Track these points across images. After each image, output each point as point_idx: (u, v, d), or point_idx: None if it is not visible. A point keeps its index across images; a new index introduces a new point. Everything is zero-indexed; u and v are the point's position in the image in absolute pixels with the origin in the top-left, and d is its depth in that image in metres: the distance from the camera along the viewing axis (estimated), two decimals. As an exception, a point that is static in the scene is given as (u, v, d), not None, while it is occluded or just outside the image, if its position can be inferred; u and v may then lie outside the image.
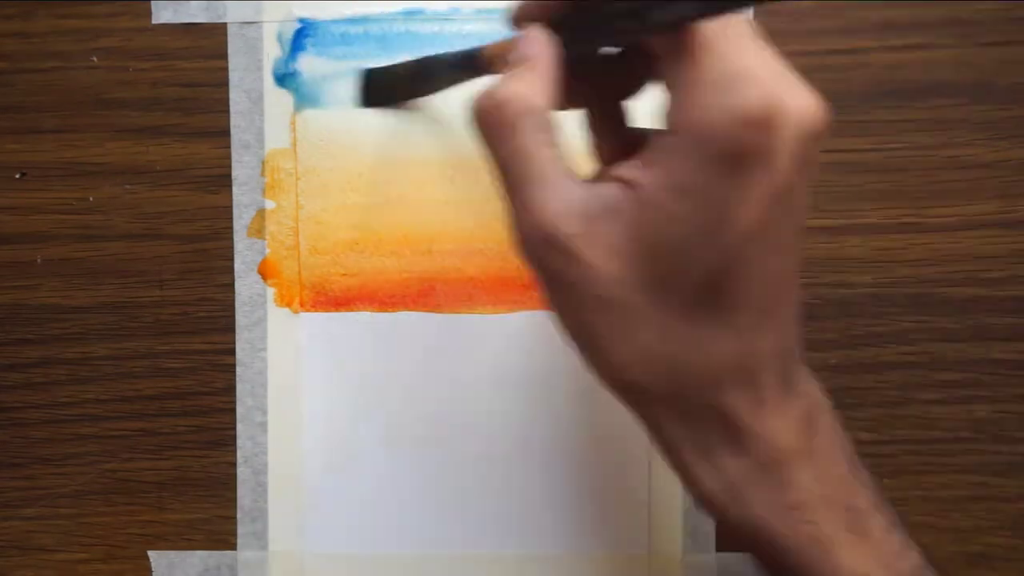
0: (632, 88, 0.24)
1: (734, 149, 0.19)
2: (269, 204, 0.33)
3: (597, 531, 0.33)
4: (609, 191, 0.21)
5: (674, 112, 0.20)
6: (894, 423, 0.33)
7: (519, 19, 0.23)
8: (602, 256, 0.20)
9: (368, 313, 0.33)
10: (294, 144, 0.33)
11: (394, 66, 0.32)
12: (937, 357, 0.33)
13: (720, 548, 0.33)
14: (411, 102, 0.32)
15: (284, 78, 0.33)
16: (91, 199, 0.33)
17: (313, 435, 0.33)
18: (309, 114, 0.33)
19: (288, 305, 0.33)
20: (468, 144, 0.33)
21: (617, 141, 0.24)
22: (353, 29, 0.33)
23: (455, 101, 0.33)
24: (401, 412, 0.33)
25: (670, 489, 0.33)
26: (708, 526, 0.33)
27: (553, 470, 0.33)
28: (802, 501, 0.21)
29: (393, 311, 0.33)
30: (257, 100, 0.33)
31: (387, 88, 0.32)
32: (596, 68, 0.24)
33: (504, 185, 0.21)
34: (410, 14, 0.33)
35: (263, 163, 0.33)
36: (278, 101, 0.33)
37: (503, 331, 0.33)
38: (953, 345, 0.32)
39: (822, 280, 0.33)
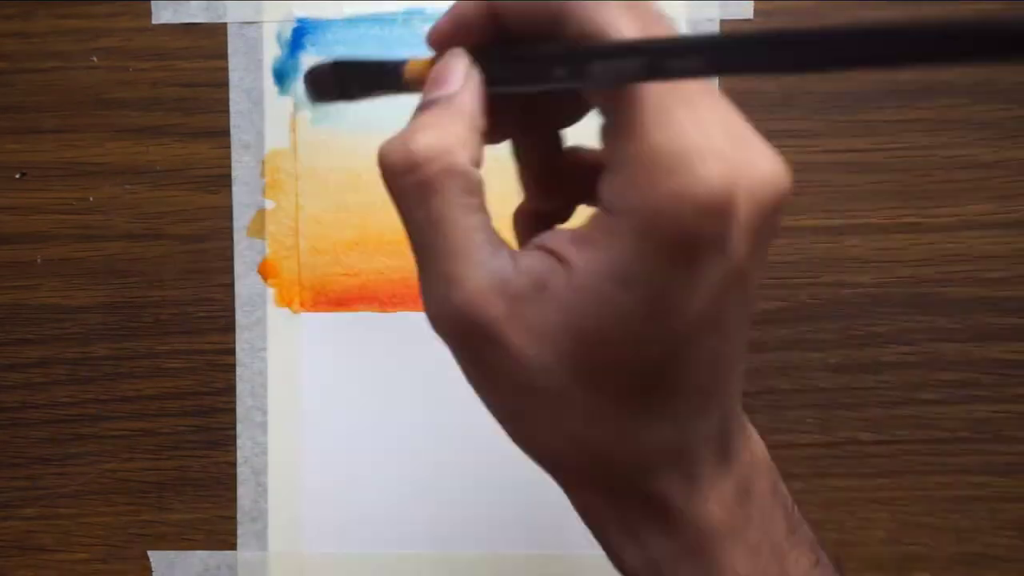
0: (568, 117, 0.21)
1: (687, 239, 0.16)
2: (269, 204, 0.33)
3: (597, 531, 0.33)
4: (539, 266, 0.18)
5: (616, 189, 0.17)
6: (894, 423, 0.33)
7: (436, 43, 0.20)
8: (527, 340, 0.18)
9: (368, 313, 0.33)
10: (294, 144, 0.33)
11: (324, 64, 0.27)
12: (937, 357, 0.33)
13: None
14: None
15: (284, 78, 0.33)
16: (91, 199, 0.33)
17: (313, 435, 0.33)
18: (309, 114, 0.33)
19: (288, 305, 0.33)
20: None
21: (550, 173, 0.22)
22: (353, 29, 0.33)
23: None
24: (401, 412, 0.33)
25: (670, 489, 0.33)
26: None
27: (553, 470, 0.33)
28: None
29: (393, 311, 0.33)
30: (257, 100, 0.33)
31: (320, 87, 0.27)
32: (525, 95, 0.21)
33: (418, 253, 0.19)
34: (410, 14, 0.33)
35: (263, 163, 0.33)
36: (278, 101, 0.33)
37: (503, 331, 0.33)
38: (953, 345, 0.32)
39: (822, 280, 0.33)
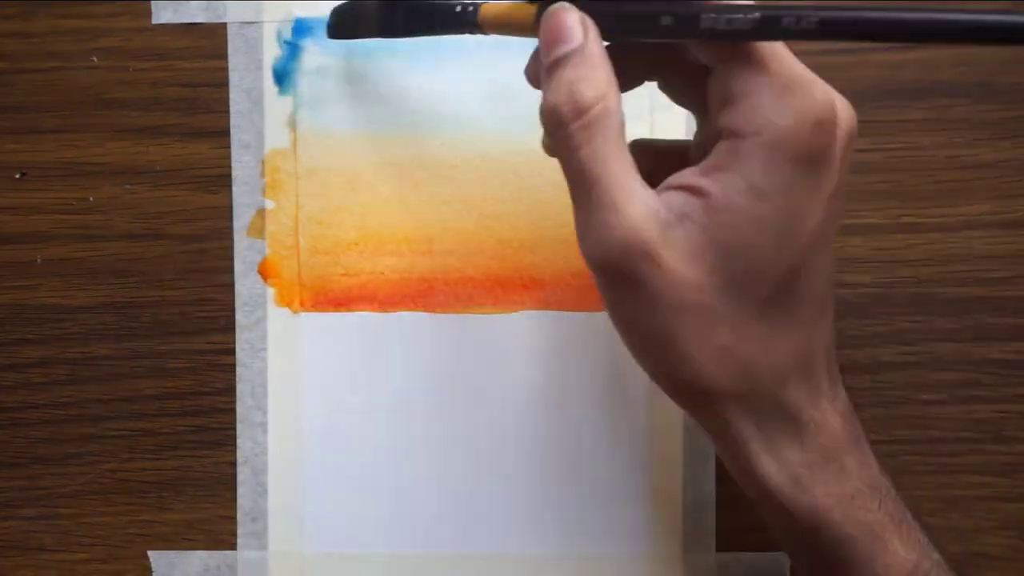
0: (631, 82, 0.24)
1: (808, 150, 0.20)
2: (269, 204, 0.33)
3: (597, 531, 0.33)
4: (678, 199, 0.21)
5: (742, 117, 0.20)
6: (894, 423, 0.33)
7: None
8: (680, 261, 0.20)
9: (368, 313, 0.33)
10: (294, 144, 0.33)
11: (362, 1, 0.30)
12: (937, 357, 0.33)
13: (720, 548, 0.33)
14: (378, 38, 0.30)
15: (284, 78, 0.33)
16: (91, 199, 0.33)
17: (313, 435, 0.33)
18: (309, 114, 0.33)
19: (288, 305, 0.33)
20: (468, 143, 0.33)
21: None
22: (353, 29, 0.33)
23: (457, 100, 0.33)
24: (401, 412, 0.33)
25: (670, 489, 0.33)
26: (708, 526, 0.33)
27: (553, 470, 0.33)
28: (859, 490, 0.22)
29: (393, 311, 0.33)
30: (257, 100, 0.33)
31: (350, 22, 0.30)
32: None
33: (580, 189, 0.21)
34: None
35: (263, 163, 0.33)
36: (278, 101, 0.33)
37: (503, 331, 0.33)
38: (953, 345, 0.32)
39: (822, 280, 0.33)
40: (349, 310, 0.33)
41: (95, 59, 0.33)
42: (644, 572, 0.33)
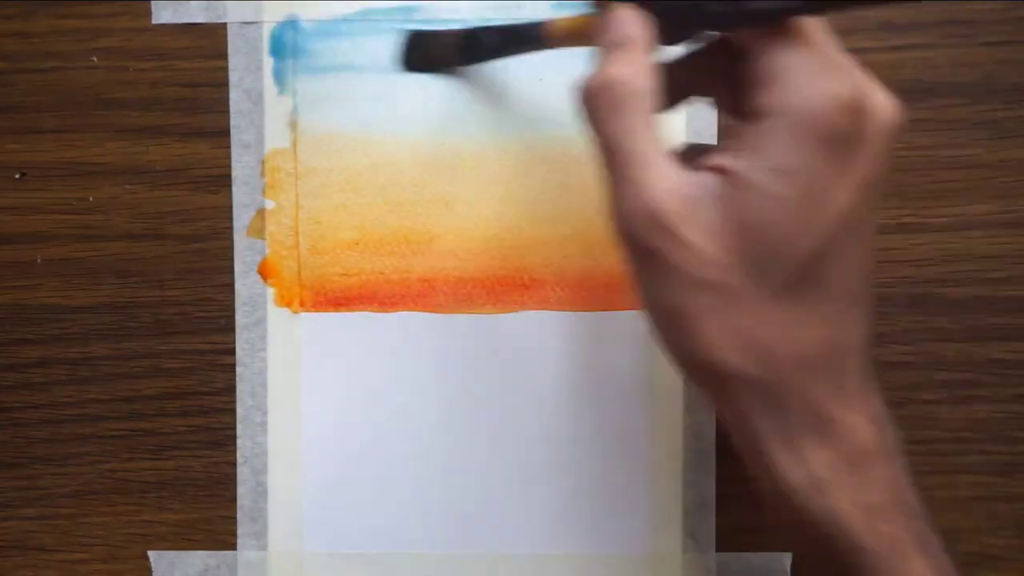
0: (681, 96, 0.25)
1: (836, 132, 0.20)
2: (269, 204, 0.33)
3: (597, 531, 0.33)
4: (705, 177, 0.21)
5: (772, 96, 0.21)
6: (894, 423, 0.33)
7: None
8: (702, 237, 0.21)
9: (368, 313, 0.33)
10: (294, 144, 0.33)
11: (439, 33, 0.32)
12: (937, 357, 0.33)
13: (720, 548, 0.33)
14: (454, 70, 0.32)
15: (284, 78, 0.33)
16: (91, 199, 0.33)
17: (313, 435, 0.33)
18: (309, 114, 0.33)
19: (288, 305, 0.33)
20: (468, 143, 0.33)
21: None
22: (354, 28, 0.33)
23: (457, 101, 0.33)
24: (401, 412, 0.33)
25: (670, 489, 0.33)
26: (708, 526, 0.33)
27: (553, 470, 0.33)
28: (883, 501, 0.22)
29: (393, 311, 0.33)
30: (257, 100, 0.33)
31: (429, 54, 0.32)
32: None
33: (608, 163, 0.22)
34: (409, 12, 0.32)
35: (263, 163, 0.33)
36: (278, 101, 0.33)
37: (503, 331, 0.33)
38: (953, 345, 0.32)
39: (822, 280, 0.33)
40: (349, 310, 0.33)
41: (95, 59, 0.33)
42: (644, 572, 0.33)
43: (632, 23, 0.22)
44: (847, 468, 0.21)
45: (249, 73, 0.33)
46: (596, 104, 0.21)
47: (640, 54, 0.22)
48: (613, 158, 0.21)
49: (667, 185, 0.21)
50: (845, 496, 0.21)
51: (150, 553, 0.34)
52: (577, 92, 0.22)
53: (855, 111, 0.20)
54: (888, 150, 0.21)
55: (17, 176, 0.34)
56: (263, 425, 0.33)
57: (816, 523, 0.21)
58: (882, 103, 0.21)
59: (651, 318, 0.22)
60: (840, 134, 0.20)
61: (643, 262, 0.22)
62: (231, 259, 0.33)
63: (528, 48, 0.27)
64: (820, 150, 0.20)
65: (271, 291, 0.33)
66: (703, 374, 0.22)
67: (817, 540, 0.22)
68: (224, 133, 0.33)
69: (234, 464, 0.33)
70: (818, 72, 0.20)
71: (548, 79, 0.32)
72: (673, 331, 0.22)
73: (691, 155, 0.23)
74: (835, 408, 0.21)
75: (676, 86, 0.24)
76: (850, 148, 0.20)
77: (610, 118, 0.21)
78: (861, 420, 0.22)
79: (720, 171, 0.21)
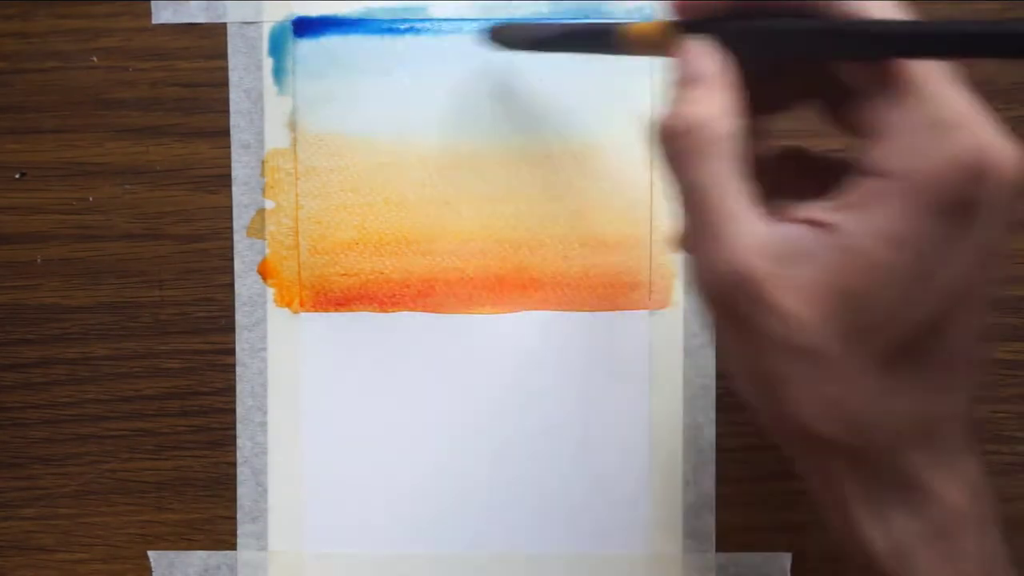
0: (787, 101, 0.23)
1: (954, 200, 0.18)
2: (269, 204, 0.33)
3: (597, 531, 0.33)
4: (799, 232, 0.19)
5: (883, 155, 0.19)
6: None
7: (681, 9, 0.22)
8: (793, 301, 0.19)
9: (368, 313, 0.33)
10: (294, 144, 0.33)
11: (523, 25, 0.31)
12: (937, 357, 0.32)
13: (720, 548, 0.33)
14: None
15: (284, 78, 0.33)
16: (91, 199, 0.33)
17: (313, 435, 0.33)
18: (309, 114, 0.33)
19: (288, 305, 0.33)
20: (468, 143, 0.33)
21: (776, 162, 0.23)
22: (353, 28, 0.33)
23: (457, 101, 0.33)
24: (401, 412, 0.33)
25: (670, 489, 0.33)
26: (708, 526, 0.33)
27: (552, 470, 0.33)
28: (971, 573, 0.21)
29: (393, 311, 0.33)
30: (257, 100, 0.33)
31: (507, 38, 0.31)
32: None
33: (688, 215, 0.20)
34: (409, 11, 0.32)
35: (263, 163, 0.33)
36: (278, 101, 0.33)
37: (503, 331, 0.33)
38: (953, 345, 0.32)
39: (822, 280, 0.32)
40: (349, 310, 0.33)
41: (95, 59, 0.33)
42: (644, 572, 0.33)
43: (710, 57, 0.20)
44: (934, 538, 0.20)
45: (249, 73, 0.33)
46: (674, 149, 0.20)
47: (720, 91, 0.20)
48: (696, 210, 0.20)
49: (755, 242, 0.19)
50: (931, 567, 0.20)
51: (150, 553, 0.34)
52: (654, 132, 0.21)
53: (976, 175, 0.18)
54: (1011, 211, 0.19)
55: (17, 176, 0.34)
56: (263, 425, 0.33)
57: None
58: (1005, 160, 0.18)
59: (736, 378, 0.21)
60: (958, 202, 0.18)
61: (729, 326, 0.20)
62: (231, 259, 0.33)
63: (607, 50, 0.26)
64: (936, 220, 0.18)
65: (271, 291, 0.33)
66: (790, 438, 0.21)
67: None
68: (224, 133, 0.33)
69: (234, 464, 0.33)
70: (935, 129, 0.18)
71: (548, 79, 0.32)
72: (760, 394, 0.21)
73: (779, 193, 0.22)
74: (926, 476, 0.20)
75: (770, 98, 0.22)
76: (968, 216, 0.18)
77: (690, 165, 0.20)
78: (954, 488, 0.21)
79: (817, 225, 0.19)
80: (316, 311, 0.33)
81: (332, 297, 0.33)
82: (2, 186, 0.34)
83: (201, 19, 0.33)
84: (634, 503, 0.33)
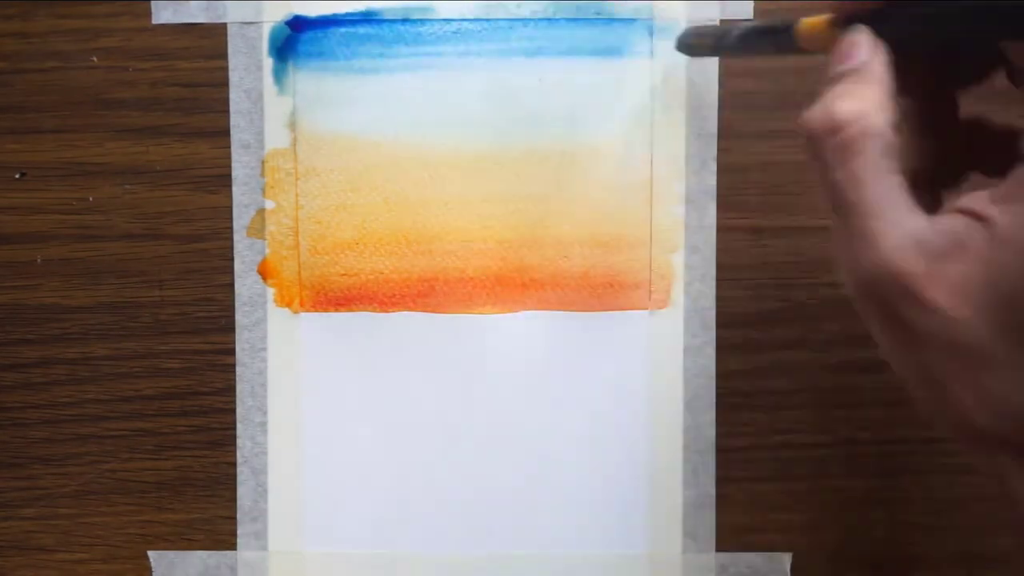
0: (973, 74, 0.22)
1: None
2: (269, 204, 0.33)
3: (597, 531, 0.33)
4: (956, 225, 0.18)
5: None
6: (894, 423, 0.33)
7: (837, 6, 0.21)
8: (948, 298, 0.18)
9: (368, 313, 0.33)
10: (294, 144, 0.33)
11: (706, 28, 0.31)
12: (937, 357, 0.32)
13: (720, 548, 0.33)
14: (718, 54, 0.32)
15: (284, 78, 0.33)
16: (91, 199, 0.33)
17: (313, 435, 0.33)
18: (309, 114, 0.33)
19: (288, 305, 0.33)
20: (468, 143, 0.33)
21: (944, 137, 0.22)
22: (353, 28, 0.33)
23: (457, 101, 0.33)
24: (401, 412, 0.33)
25: (670, 489, 0.33)
26: (708, 526, 0.33)
27: (553, 470, 0.33)
28: None
29: (393, 311, 0.33)
30: (257, 100, 0.33)
31: (692, 43, 0.31)
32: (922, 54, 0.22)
33: (838, 211, 0.20)
34: (411, 11, 0.32)
35: (263, 163, 0.33)
36: (278, 101, 0.33)
37: (503, 331, 0.33)
38: (953, 345, 0.32)
39: (822, 280, 0.33)
40: (349, 310, 0.33)
41: (95, 59, 0.33)
42: (644, 572, 0.33)
43: (864, 48, 0.20)
44: None
45: (249, 73, 0.33)
46: (823, 146, 0.19)
47: (875, 87, 0.20)
48: (844, 208, 0.19)
49: (905, 240, 0.19)
50: None
51: (150, 553, 0.34)
52: (802, 128, 0.20)
53: None
54: None
55: (17, 176, 0.34)
56: (263, 425, 0.33)
57: None
58: None
59: (900, 376, 0.21)
60: None
61: (883, 324, 0.20)
62: (231, 259, 0.33)
63: (782, 49, 0.25)
64: None
65: (271, 291, 0.33)
66: (958, 434, 0.21)
67: None
68: (224, 133, 0.33)
69: (234, 464, 0.33)
70: None
71: (548, 79, 0.32)
72: (922, 390, 0.20)
73: (934, 182, 0.21)
74: None
75: (948, 79, 0.21)
76: None
77: (839, 163, 0.19)
78: None
79: (975, 217, 0.18)
80: (316, 311, 0.33)
81: (332, 297, 0.33)
82: (2, 186, 0.34)
83: (201, 19, 0.33)
84: (634, 503, 0.33)
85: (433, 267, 0.33)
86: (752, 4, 0.32)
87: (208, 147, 0.33)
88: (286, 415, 0.33)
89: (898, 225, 0.19)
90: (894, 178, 0.19)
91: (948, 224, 0.19)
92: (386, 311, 0.33)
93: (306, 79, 0.33)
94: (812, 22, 0.23)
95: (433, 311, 0.33)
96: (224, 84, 0.33)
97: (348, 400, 0.33)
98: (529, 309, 0.33)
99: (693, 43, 0.30)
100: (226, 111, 0.33)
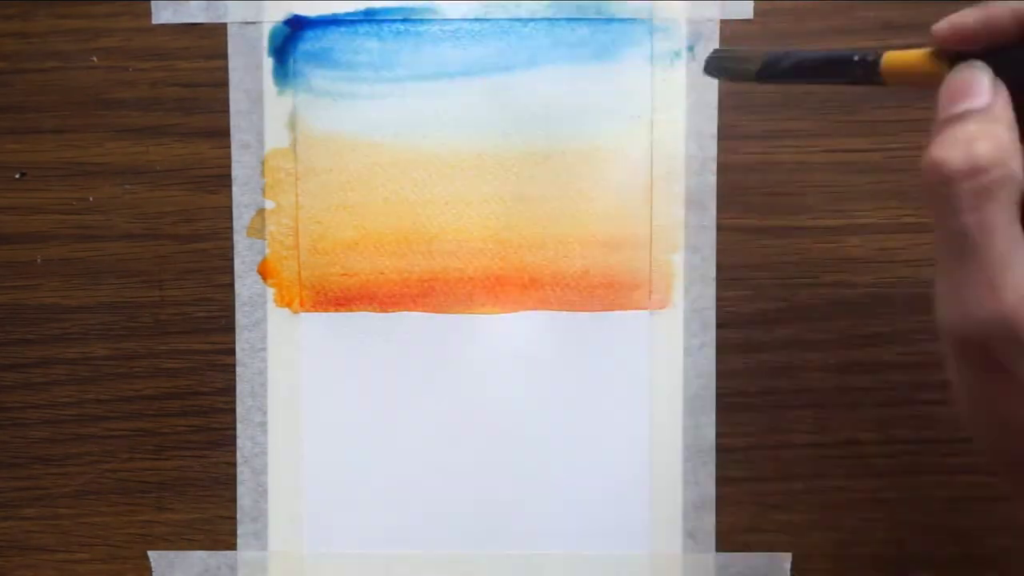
0: None
1: None
2: (269, 204, 0.33)
3: (597, 531, 0.33)
4: None
5: None
6: (894, 423, 0.33)
7: (948, 38, 0.20)
8: None
9: (368, 313, 0.33)
10: (294, 144, 0.33)
11: (741, 50, 0.28)
12: (937, 357, 0.32)
13: (720, 548, 0.33)
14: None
15: (284, 78, 0.33)
16: (91, 199, 0.33)
17: (313, 435, 0.33)
18: (309, 114, 0.33)
19: (288, 305, 0.33)
20: (468, 143, 0.33)
21: None
22: (353, 28, 0.33)
23: (457, 101, 0.33)
24: (400, 412, 0.33)
25: (670, 489, 0.33)
26: (708, 526, 0.33)
27: (553, 470, 0.33)
28: None
29: (393, 311, 0.33)
30: (257, 100, 0.33)
31: (726, 66, 0.28)
32: None
33: (954, 254, 0.19)
34: (411, 11, 0.32)
35: (263, 163, 0.33)
36: (278, 101, 0.33)
37: (503, 331, 0.33)
38: (953, 345, 0.32)
39: (822, 280, 0.33)
40: (349, 310, 0.33)
41: (95, 59, 0.33)
42: (644, 572, 0.33)
43: (989, 87, 0.19)
44: None
45: (249, 73, 0.33)
46: (954, 189, 0.18)
47: (1004, 126, 0.19)
48: (963, 252, 0.19)
49: None
50: None
51: (150, 553, 0.34)
52: (929, 169, 0.19)
53: None
54: None
55: (17, 176, 0.34)
56: (263, 425, 0.33)
57: None
58: None
59: (979, 423, 0.21)
60: None
61: (981, 370, 0.19)
62: (231, 259, 0.33)
63: (850, 79, 0.23)
64: None
65: (271, 291, 0.33)
66: None
67: None
68: (224, 133, 0.33)
69: (234, 464, 0.33)
70: None
71: (547, 79, 0.32)
72: (1013, 446, 0.20)
73: None
74: None
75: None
76: None
77: (972, 208, 0.18)
78: None
79: None
80: (316, 311, 0.33)
81: (332, 297, 0.33)
82: (2, 186, 0.34)
83: (201, 19, 0.33)
84: (634, 503, 0.33)
85: (433, 267, 0.33)
86: (752, 4, 0.32)
87: (208, 147, 0.33)
88: (286, 415, 0.33)
89: (1022, 274, 0.18)
90: (1020, 228, 0.19)
91: None
92: (386, 311, 0.33)
93: (306, 79, 0.33)
94: (908, 56, 0.22)
95: (433, 311, 0.33)
96: (224, 84, 0.33)
97: (348, 400, 0.33)
98: (529, 309, 0.33)
99: (730, 67, 0.28)
100: (226, 111, 0.33)
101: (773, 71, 0.25)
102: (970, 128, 0.19)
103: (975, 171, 0.18)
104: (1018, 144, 0.19)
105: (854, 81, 0.23)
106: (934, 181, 0.19)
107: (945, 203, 0.19)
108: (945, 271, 0.19)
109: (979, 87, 0.19)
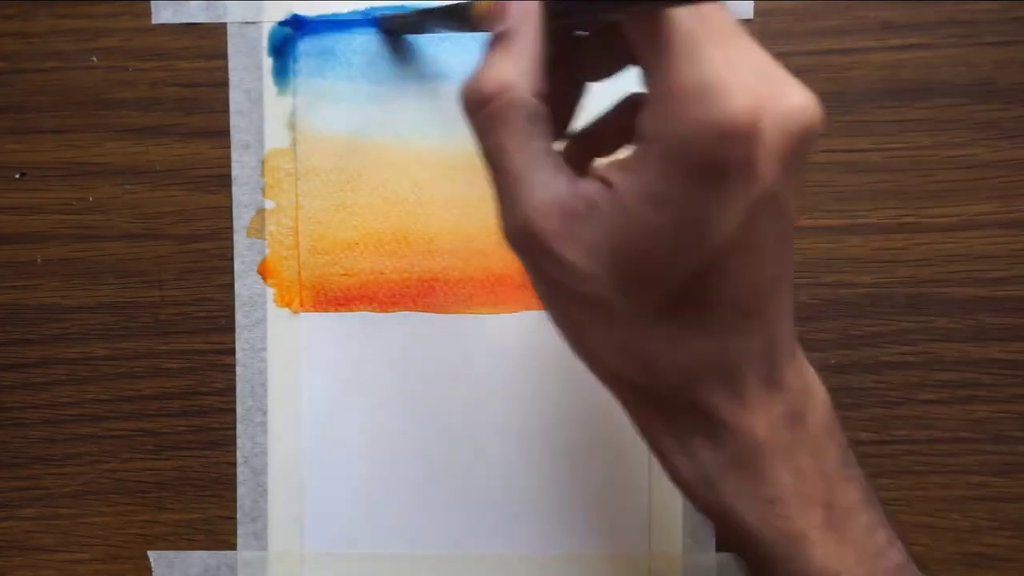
0: (608, 69, 0.23)
1: (711, 162, 0.18)
2: (269, 204, 0.33)
3: (597, 531, 0.33)
4: (591, 189, 0.20)
5: (648, 119, 0.19)
6: (894, 423, 0.33)
7: None
8: (579, 254, 0.20)
9: (368, 313, 0.33)
10: (294, 144, 0.33)
11: (399, 15, 0.32)
12: (937, 357, 0.33)
13: (720, 548, 0.33)
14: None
15: (284, 78, 0.33)
16: (91, 199, 0.33)
17: (313, 435, 0.33)
18: (309, 114, 0.33)
19: (288, 305, 0.33)
20: (468, 143, 0.33)
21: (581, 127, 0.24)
22: (353, 28, 0.33)
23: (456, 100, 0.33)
24: (400, 412, 0.33)
25: (670, 489, 0.33)
26: (708, 526, 0.33)
27: (553, 470, 0.33)
28: (777, 496, 0.22)
29: (393, 311, 0.33)
30: (257, 100, 0.33)
31: (395, 29, 0.32)
32: (576, 43, 0.23)
33: (491, 178, 0.21)
34: (409, 11, 0.32)
35: (263, 163, 0.33)
36: (278, 101, 0.33)
37: (503, 331, 0.33)
38: (953, 345, 0.32)
39: (822, 280, 0.33)
40: (349, 310, 0.33)
41: (95, 59, 0.33)
42: (644, 572, 0.33)
43: (519, 12, 0.21)
44: (737, 466, 0.22)
45: (249, 73, 0.33)
46: (473, 116, 0.21)
47: (521, 52, 0.20)
48: (492, 173, 0.21)
49: (544, 203, 0.20)
50: (735, 491, 0.22)
51: (150, 553, 0.34)
52: (459, 98, 0.21)
53: (739, 137, 0.18)
54: (793, 158, 0.19)
55: (17, 176, 0.34)
56: (263, 425, 0.33)
57: (713, 516, 0.22)
58: (786, 111, 0.19)
59: (552, 322, 0.23)
60: (719, 163, 0.18)
61: (531, 276, 0.22)
62: (231, 259, 0.33)
63: (466, 28, 0.26)
64: (695, 181, 0.18)
65: (271, 291, 0.33)
66: (599, 377, 0.23)
67: (722, 532, 0.23)
68: (224, 133, 0.33)
69: (234, 464, 0.33)
70: (696, 94, 0.18)
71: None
72: (565, 337, 0.23)
73: (595, 145, 0.23)
74: (725, 413, 0.21)
75: (610, 57, 0.22)
76: (734, 175, 0.18)
77: (487, 131, 0.21)
78: (759, 421, 0.22)
79: (605, 182, 0.20)
80: (316, 311, 0.33)
81: (332, 297, 0.33)
82: (2, 186, 0.34)
83: (201, 19, 0.33)
84: (634, 503, 0.33)
85: (433, 267, 0.33)
86: (752, 4, 0.32)
87: (208, 147, 0.33)
88: (286, 415, 0.33)
89: (539, 187, 0.20)
90: (538, 143, 0.20)
91: (586, 188, 0.20)
92: (386, 311, 0.33)
93: (306, 79, 0.33)
94: (487, 5, 0.23)
95: (433, 311, 0.33)
96: (224, 84, 0.33)
97: (348, 400, 0.33)
98: (529, 309, 0.33)
99: (387, 27, 0.32)
100: (226, 111, 0.33)
101: (406, 25, 0.30)
102: (486, 57, 0.21)
103: (482, 101, 0.20)
104: (533, 66, 0.20)
105: (461, 27, 0.26)
106: (462, 111, 0.21)
107: (472, 130, 0.21)
108: (492, 188, 0.21)
109: (511, 10, 0.21)
